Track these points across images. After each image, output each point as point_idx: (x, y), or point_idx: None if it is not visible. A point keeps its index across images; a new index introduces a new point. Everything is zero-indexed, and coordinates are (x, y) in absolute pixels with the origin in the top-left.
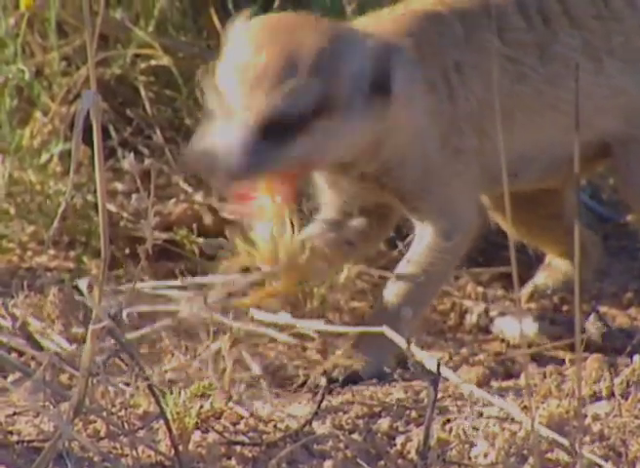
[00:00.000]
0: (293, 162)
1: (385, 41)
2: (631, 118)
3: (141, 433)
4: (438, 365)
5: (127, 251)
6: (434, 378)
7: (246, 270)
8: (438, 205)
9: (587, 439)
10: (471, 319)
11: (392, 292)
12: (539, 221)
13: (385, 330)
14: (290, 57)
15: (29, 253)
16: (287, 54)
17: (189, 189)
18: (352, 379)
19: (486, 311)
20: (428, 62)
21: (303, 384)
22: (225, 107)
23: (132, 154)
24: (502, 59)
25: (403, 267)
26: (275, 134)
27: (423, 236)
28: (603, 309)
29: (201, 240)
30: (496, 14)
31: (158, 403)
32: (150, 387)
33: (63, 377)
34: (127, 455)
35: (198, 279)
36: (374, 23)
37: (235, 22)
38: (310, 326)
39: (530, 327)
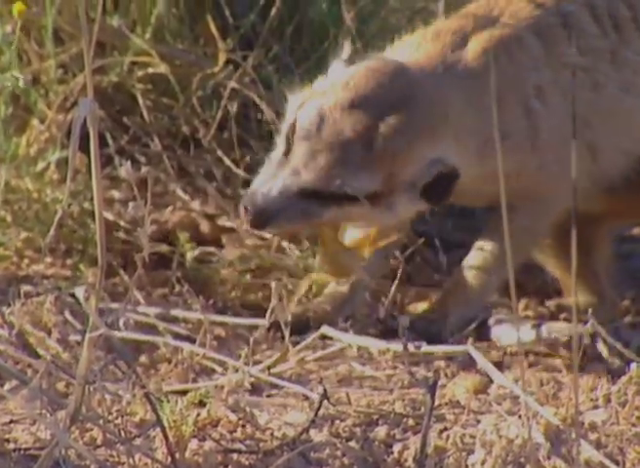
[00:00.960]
0: (315, 225)
1: (457, 145)
2: None
3: (138, 441)
4: (435, 382)
5: (124, 259)
6: (431, 386)
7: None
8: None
9: (584, 447)
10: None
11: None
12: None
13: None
14: (357, 140)
15: (26, 260)
16: (356, 136)
17: (186, 197)
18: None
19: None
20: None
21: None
22: (285, 153)
23: (129, 162)
24: (579, 71)
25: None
26: (317, 198)
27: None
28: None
29: (198, 248)
30: (570, 21)
31: (155, 411)
32: (147, 395)
33: (60, 385)
34: (124, 463)
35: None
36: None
37: (333, 66)
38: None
39: (527, 334)
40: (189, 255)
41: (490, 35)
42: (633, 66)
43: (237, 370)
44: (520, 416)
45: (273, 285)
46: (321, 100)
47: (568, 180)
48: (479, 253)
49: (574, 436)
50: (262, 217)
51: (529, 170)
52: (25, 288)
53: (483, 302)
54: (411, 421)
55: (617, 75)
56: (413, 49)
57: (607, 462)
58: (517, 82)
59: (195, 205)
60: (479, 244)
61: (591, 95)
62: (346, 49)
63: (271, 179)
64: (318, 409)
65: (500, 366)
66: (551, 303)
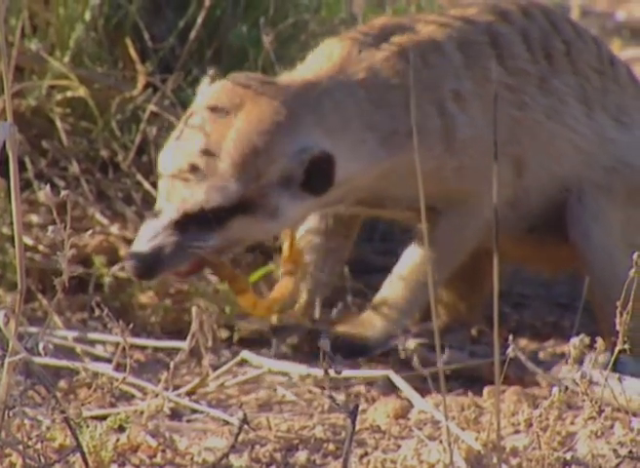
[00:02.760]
0: (209, 252)
1: (332, 131)
2: (607, 168)
3: (58, 466)
4: (356, 406)
5: (42, 283)
6: (352, 411)
7: None
8: (450, 202)
9: None
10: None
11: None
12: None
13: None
14: (215, 151)
15: None
16: (213, 147)
17: (105, 221)
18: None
19: (406, 346)
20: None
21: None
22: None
23: (48, 186)
24: (502, 88)
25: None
26: (195, 225)
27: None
28: (522, 341)
29: (117, 271)
30: (500, 42)
31: (74, 436)
32: (66, 420)
33: None
34: None
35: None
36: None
37: (198, 90)
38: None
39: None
40: (107, 280)
41: (404, 39)
42: (560, 95)
43: (157, 395)
44: (441, 441)
45: (193, 310)
46: (174, 134)
47: (490, 189)
48: (405, 266)
49: (495, 461)
50: (147, 265)
51: (446, 170)
52: None
53: (410, 315)
54: (331, 446)
55: (543, 100)
56: (321, 54)
57: None
58: (432, 84)
59: (114, 229)
60: (405, 255)
61: (517, 113)
62: (210, 73)
63: (147, 232)
64: (238, 434)
65: (420, 390)
66: (474, 329)
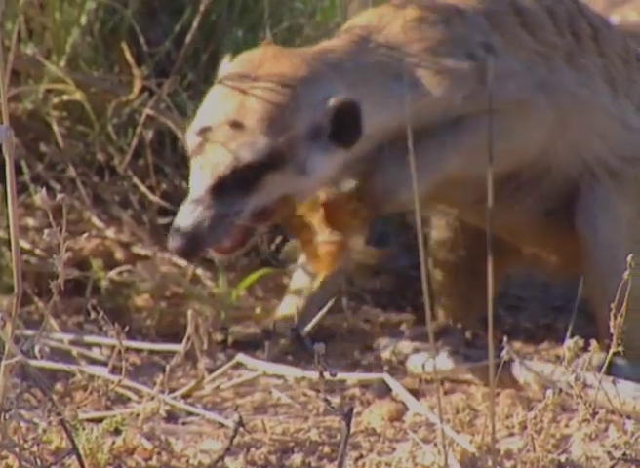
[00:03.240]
0: (249, 218)
1: (355, 84)
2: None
3: None
4: (351, 409)
5: (38, 286)
6: (347, 414)
7: None
8: None
9: None
10: (385, 355)
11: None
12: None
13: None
14: (240, 111)
15: None
16: (238, 108)
17: (101, 225)
18: None
19: (399, 347)
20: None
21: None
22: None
23: (44, 189)
24: (533, 54)
25: None
26: (230, 191)
27: None
28: (517, 344)
29: (113, 275)
30: (525, 14)
31: (70, 438)
32: (63, 423)
33: None
34: None
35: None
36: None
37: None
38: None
39: (444, 362)
40: (104, 283)
41: (427, 6)
42: (588, 73)
43: (153, 398)
44: (436, 444)
45: (189, 313)
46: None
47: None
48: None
49: (490, 463)
50: (190, 242)
51: (475, 101)
52: None
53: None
54: (326, 449)
55: (571, 73)
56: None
57: None
58: (459, 39)
59: (110, 232)
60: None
61: (549, 76)
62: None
63: (186, 208)
64: (233, 436)
65: (415, 393)
66: (468, 332)
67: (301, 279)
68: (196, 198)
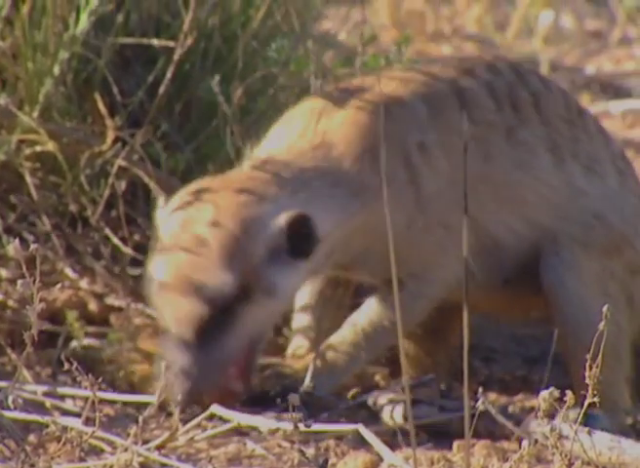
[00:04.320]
0: (237, 354)
1: (298, 197)
2: (578, 219)
3: None
4: (326, 461)
5: (11, 338)
6: (322, 465)
7: None
8: (412, 269)
9: None
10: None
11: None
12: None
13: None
14: (199, 255)
15: None
16: (195, 253)
17: (74, 276)
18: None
19: (375, 398)
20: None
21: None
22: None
23: (17, 240)
24: (470, 140)
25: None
26: (212, 335)
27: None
28: (492, 395)
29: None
30: (464, 94)
31: None
32: None
33: None
34: None
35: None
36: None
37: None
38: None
39: (419, 413)
40: (79, 335)
41: (367, 97)
42: (528, 146)
43: (126, 450)
44: None
45: (162, 365)
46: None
47: (453, 251)
48: (351, 328)
49: None
50: (193, 398)
51: (415, 229)
52: None
53: (347, 376)
54: None
55: (511, 151)
56: (280, 129)
57: None
58: (397, 136)
59: (83, 283)
60: (351, 319)
61: (483, 165)
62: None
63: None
64: None
65: (390, 444)
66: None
67: (304, 319)
68: (182, 355)
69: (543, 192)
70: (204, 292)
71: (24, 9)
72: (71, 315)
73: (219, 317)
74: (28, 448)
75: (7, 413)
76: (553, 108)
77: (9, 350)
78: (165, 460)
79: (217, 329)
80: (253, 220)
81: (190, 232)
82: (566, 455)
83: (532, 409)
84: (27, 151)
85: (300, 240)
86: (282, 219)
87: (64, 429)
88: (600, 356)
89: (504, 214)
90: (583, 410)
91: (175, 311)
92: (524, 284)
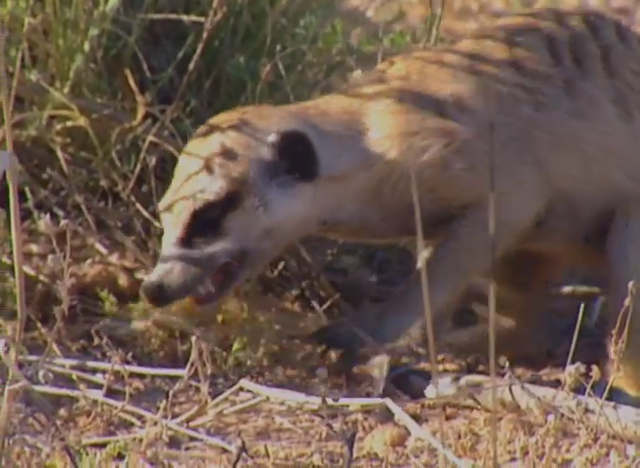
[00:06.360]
0: (220, 261)
1: (314, 125)
2: None
3: None
4: (353, 434)
5: (42, 312)
6: (350, 438)
7: None
8: (467, 203)
9: None
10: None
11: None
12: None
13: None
14: (197, 161)
15: None
16: (192, 163)
17: (104, 251)
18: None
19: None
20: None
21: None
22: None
23: (48, 215)
24: (517, 89)
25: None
26: (199, 238)
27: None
28: (518, 370)
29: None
30: (517, 47)
31: (74, 463)
32: (66, 448)
33: None
34: None
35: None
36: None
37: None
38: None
39: (447, 387)
40: (110, 310)
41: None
42: (589, 98)
43: (155, 423)
44: None
45: (193, 338)
46: None
47: (518, 189)
48: (427, 263)
49: None
50: (158, 292)
51: (454, 170)
52: None
53: (420, 313)
54: None
55: (569, 102)
56: None
57: None
58: (429, 89)
59: (113, 258)
60: (427, 253)
61: (533, 113)
62: None
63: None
64: (236, 461)
65: (417, 418)
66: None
67: None
68: (166, 250)
69: (607, 145)
70: (194, 193)
71: None
72: (103, 294)
73: (206, 221)
74: (58, 423)
75: (37, 388)
76: (624, 61)
77: (39, 324)
78: (194, 434)
79: (204, 233)
80: (249, 132)
81: (199, 145)
82: (591, 429)
83: (558, 382)
84: (58, 127)
85: (300, 160)
86: (275, 133)
87: (94, 403)
88: (626, 331)
89: (570, 166)
90: (609, 385)
91: (169, 216)
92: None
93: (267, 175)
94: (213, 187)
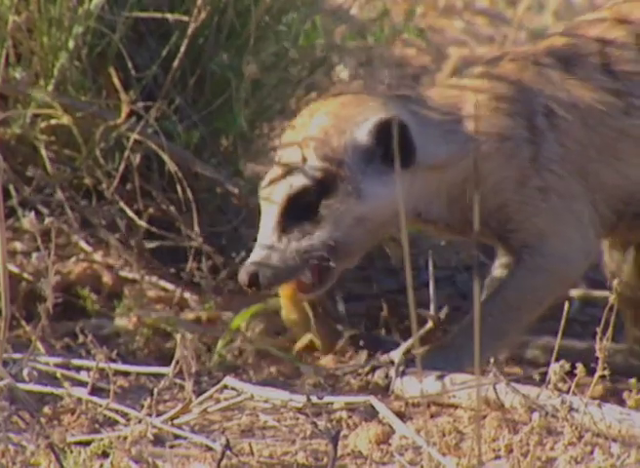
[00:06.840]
0: (315, 254)
1: (414, 112)
2: None
3: None
4: (338, 432)
5: (27, 310)
6: (334, 436)
7: None
8: (527, 240)
9: None
10: (372, 377)
11: (487, 310)
12: None
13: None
14: (294, 146)
15: None
16: (292, 144)
17: (89, 248)
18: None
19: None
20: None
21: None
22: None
23: (32, 213)
24: (608, 95)
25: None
26: (296, 225)
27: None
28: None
29: (99, 299)
30: (608, 48)
31: (59, 461)
32: (51, 445)
33: None
34: None
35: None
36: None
37: None
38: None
39: (431, 385)
40: (93, 308)
41: (507, 59)
42: None
43: (140, 421)
44: (422, 466)
45: (178, 336)
46: None
47: (574, 224)
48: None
49: None
50: (255, 276)
51: (529, 188)
52: None
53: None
54: None
55: None
56: None
57: None
58: (523, 97)
59: (98, 256)
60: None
61: (624, 120)
62: None
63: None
64: (221, 459)
65: (402, 416)
66: None
67: None
68: (264, 237)
69: None
70: (289, 177)
71: None
72: (85, 292)
73: (301, 207)
74: (43, 420)
75: (22, 385)
76: None
77: (24, 322)
78: (178, 432)
79: (301, 221)
80: (346, 118)
81: (296, 130)
82: (576, 427)
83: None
84: (42, 125)
85: (397, 148)
86: (372, 119)
87: (79, 401)
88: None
89: None
90: (594, 383)
91: (266, 202)
92: None
93: (363, 162)
94: (309, 172)
